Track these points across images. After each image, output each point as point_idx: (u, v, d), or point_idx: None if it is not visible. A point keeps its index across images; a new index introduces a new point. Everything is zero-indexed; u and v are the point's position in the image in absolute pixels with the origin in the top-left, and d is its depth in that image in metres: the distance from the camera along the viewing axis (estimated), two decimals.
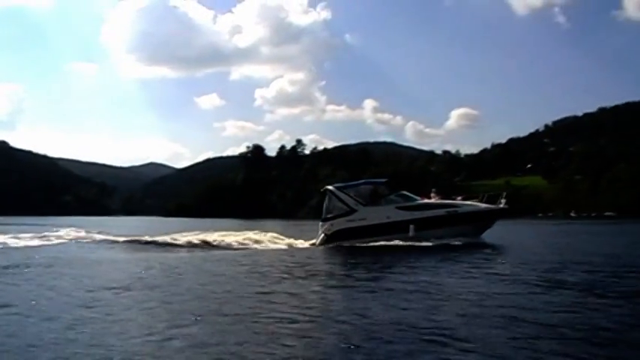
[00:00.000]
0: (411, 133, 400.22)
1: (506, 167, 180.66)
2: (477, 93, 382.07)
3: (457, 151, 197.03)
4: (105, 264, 19.56)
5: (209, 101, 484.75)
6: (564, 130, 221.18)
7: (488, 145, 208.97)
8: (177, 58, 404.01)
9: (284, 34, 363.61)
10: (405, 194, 29.73)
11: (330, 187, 29.41)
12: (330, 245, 27.09)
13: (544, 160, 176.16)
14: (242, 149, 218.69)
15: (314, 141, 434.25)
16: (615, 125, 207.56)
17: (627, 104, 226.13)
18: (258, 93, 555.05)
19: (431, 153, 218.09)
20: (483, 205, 28.71)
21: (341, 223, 27.80)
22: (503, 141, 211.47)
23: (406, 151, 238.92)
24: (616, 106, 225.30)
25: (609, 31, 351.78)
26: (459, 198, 30.18)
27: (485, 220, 28.82)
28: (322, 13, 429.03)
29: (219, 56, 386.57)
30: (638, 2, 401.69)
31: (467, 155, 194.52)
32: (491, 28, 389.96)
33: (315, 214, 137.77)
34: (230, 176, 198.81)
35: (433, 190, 31.98)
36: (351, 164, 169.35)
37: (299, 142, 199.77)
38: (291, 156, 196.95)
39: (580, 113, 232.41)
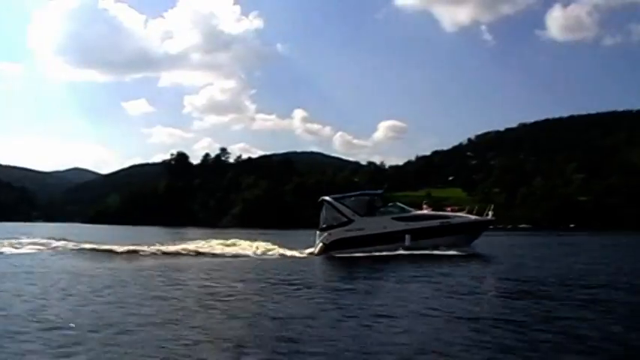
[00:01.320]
0: (339, 143, 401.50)
1: (428, 179, 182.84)
2: (405, 106, 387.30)
3: (382, 163, 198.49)
4: None
5: (138, 107, 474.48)
6: (486, 144, 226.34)
7: (415, 157, 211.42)
8: (107, 62, 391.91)
9: (215, 41, 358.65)
10: (399, 205, 31.38)
11: (327, 198, 30.36)
12: (329, 254, 27.93)
13: (465, 173, 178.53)
14: (169, 156, 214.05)
15: (243, 149, 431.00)
16: (534, 141, 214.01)
17: (546, 121, 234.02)
18: (188, 100, 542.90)
19: (356, 164, 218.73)
20: (473, 217, 30.40)
21: (339, 233, 28.80)
22: (428, 153, 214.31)
23: (333, 162, 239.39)
24: (535, 122, 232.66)
25: (532, 50, 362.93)
26: (449, 209, 31.91)
27: (475, 230, 30.56)
28: (254, 22, 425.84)
29: (149, 61, 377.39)
30: (561, 24, 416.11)
31: (391, 166, 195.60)
32: (420, 43, 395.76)
33: (238, 223, 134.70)
34: (153, 183, 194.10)
35: (425, 202, 34.95)
36: (274, 174, 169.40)
37: (223, 150, 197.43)
38: (215, 164, 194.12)
39: (502, 128, 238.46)
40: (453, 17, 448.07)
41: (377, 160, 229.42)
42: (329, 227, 29.18)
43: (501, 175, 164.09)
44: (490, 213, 30.69)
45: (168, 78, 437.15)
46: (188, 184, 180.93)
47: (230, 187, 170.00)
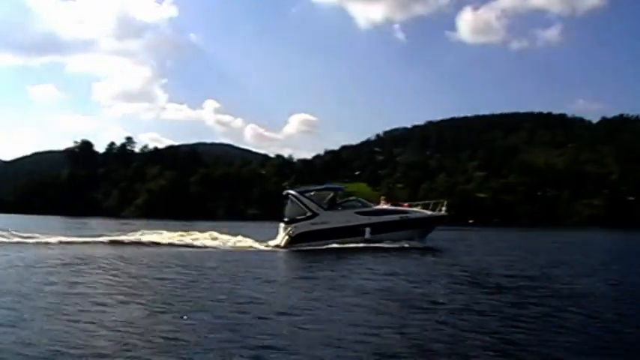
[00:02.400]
0: (251, 136, 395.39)
1: (335, 173, 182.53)
2: (317, 100, 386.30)
3: (290, 156, 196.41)
4: None
5: (44, 92, 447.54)
6: (394, 140, 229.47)
7: (324, 152, 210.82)
8: (12, 44, 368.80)
9: (127, 28, 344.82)
10: (360, 200, 34.19)
11: (292, 192, 32.16)
12: (294, 246, 29.12)
13: (371, 168, 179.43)
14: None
15: (153, 139, 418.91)
16: (440, 138, 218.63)
17: (452, 119, 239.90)
18: (97, 87, 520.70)
19: (265, 156, 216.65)
20: (429, 212, 32.25)
21: (305, 226, 30.09)
22: (337, 148, 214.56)
23: (243, 154, 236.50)
24: (442, 120, 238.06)
25: (442, 51, 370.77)
26: (406, 205, 34.03)
27: (430, 224, 32.70)
28: (168, 10, 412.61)
29: (58, 46, 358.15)
30: (471, 26, 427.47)
31: (300, 160, 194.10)
32: (334, 39, 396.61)
33: (142, 214, 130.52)
34: (56, 172, 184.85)
35: (382, 197, 36.39)
36: (180, 165, 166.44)
37: (129, 139, 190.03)
38: (120, 153, 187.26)
39: (410, 125, 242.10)
40: (367, 15, 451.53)
41: (288, 153, 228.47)
42: (294, 220, 30.46)
43: (406, 171, 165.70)
44: (443, 209, 32.26)
45: (77, 63, 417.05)
46: (92, 173, 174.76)
47: (135, 177, 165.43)
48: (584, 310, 12.09)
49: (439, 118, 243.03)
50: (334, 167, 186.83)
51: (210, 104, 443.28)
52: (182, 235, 31.68)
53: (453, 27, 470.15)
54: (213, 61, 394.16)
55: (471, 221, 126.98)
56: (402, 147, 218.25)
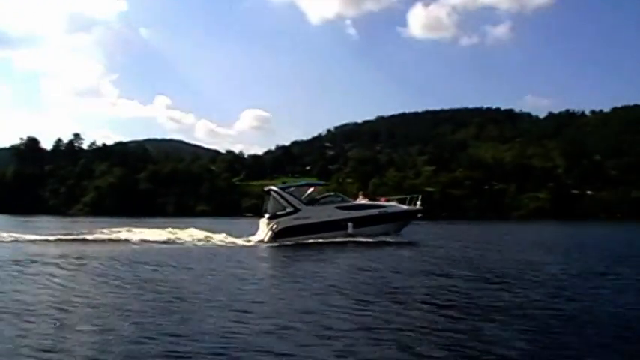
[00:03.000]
0: (202, 132, 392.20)
1: (285, 169, 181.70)
2: (269, 96, 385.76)
3: (240, 152, 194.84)
4: None
5: None
6: (344, 135, 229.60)
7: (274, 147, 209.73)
8: None
9: (77, 23, 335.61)
10: (340, 195, 35.28)
11: (273, 188, 32.73)
12: (277, 241, 29.74)
13: (322, 163, 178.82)
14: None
15: (104, 136, 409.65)
16: (390, 133, 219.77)
17: (403, 114, 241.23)
18: (46, 83, 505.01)
19: (215, 152, 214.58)
20: (405, 207, 33.29)
21: (287, 222, 30.78)
22: (287, 143, 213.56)
23: (194, 150, 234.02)
24: (392, 116, 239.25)
25: (393, 47, 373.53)
26: (383, 199, 34.59)
27: (407, 218, 33.88)
28: (118, 4, 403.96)
29: (4, 41, 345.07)
30: (422, 22, 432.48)
31: (250, 156, 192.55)
32: (286, 34, 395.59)
33: (90, 211, 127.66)
34: (1, 170, 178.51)
35: (361, 192, 37.61)
36: (129, 161, 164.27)
37: (77, 136, 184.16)
38: (68, 150, 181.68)
39: (360, 120, 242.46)
40: (319, 11, 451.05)
41: (240, 149, 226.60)
42: (276, 216, 31.26)
43: (356, 166, 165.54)
44: (418, 204, 33.61)
45: (25, 59, 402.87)
46: (39, 170, 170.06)
47: (83, 175, 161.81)
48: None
49: (390, 113, 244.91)
50: (284, 162, 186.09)
51: (162, 100, 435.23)
52: (172, 233, 32.10)
53: (404, 23, 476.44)
54: (164, 57, 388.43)
55: (419, 215, 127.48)
56: (352, 142, 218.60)
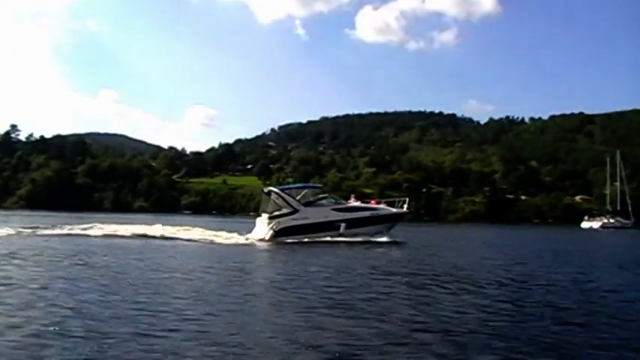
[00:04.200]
0: (147, 127, 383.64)
1: (227, 166, 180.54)
2: (216, 93, 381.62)
3: (183, 149, 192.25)
4: None
5: None
6: (288, 135, 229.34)
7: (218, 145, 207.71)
8: None
9: (23, 13, 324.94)
10: (334, 197, 37.04)
11: (274, 189, 34.79)
12: (277, 240, 31.16)
13: (263, 162, 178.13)
14: None
15: (47, 128, 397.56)
16: (334, 134, 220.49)
17: (346, 116, 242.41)
18: None
19: (158, 148, 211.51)
20: (394, 209, 34.94)
21: (287, 221, 32.16)
22: (231, 141, 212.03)
23: (137, 145, 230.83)
24: (337, 117, 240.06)
25: (341, 48, 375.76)
26: (373, 202, 36.66)
27: (395, 220, 35.29)
28: None
29: None
30: (370, 26, 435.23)
31: (192, 153, 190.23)
32: (235, 32, 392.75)
33: (25, 205, 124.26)
34: None
35: (353, 195, 39.43)
36: (67, 154, 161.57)
37: (13, 127, 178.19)
38: (4, 142, 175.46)
39: (304, 121, 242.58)
40: (269, 10, 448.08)
41: (185, 145, 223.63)
42: (276, 216, 32.60)
43: (297, 166, 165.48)
44: (405, 206, 35.68)
45: None
46: None
47: (18, 167, 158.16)
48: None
49: (334, 114, 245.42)
50: (226, 160, 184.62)
51: (107, 94, 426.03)
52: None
53: (352, 25, 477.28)
54: (111, 50, 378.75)
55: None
56: (296, 142, 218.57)
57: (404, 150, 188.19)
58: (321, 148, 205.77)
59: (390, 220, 34.72)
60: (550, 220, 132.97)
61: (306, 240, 30.90)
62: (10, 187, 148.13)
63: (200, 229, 34.92)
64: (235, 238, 32.00)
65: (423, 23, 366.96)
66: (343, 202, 35.27)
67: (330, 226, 32.22)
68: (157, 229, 33.22)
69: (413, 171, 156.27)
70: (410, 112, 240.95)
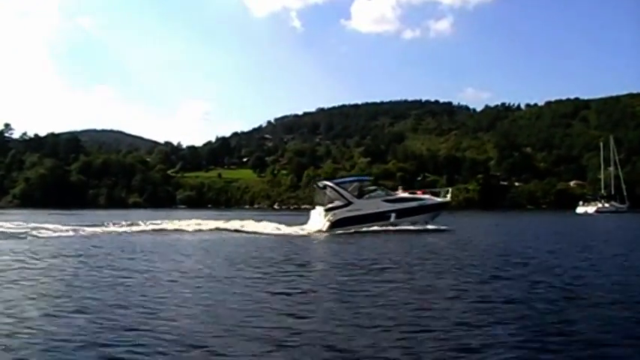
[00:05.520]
0: (143, 123, 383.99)
1: (222, 160, 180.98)
2: (212, 87, 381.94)
3: (178, 143, 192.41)
4: None
5: None
6: (284, 127, 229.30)
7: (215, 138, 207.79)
8: None
9: (13, 11, 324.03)
10: (384, 189, 39.25)
11: (329, 183, 36.24)
12: (334, 230, 32.69)
13: (258, 155, 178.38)
14: None
15: (43, 126, 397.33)
16: (330, 125, 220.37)
17: (342, 106, 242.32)
18: None
19: (154, 143, 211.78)
20: (438, 199, 37.27)
21: (342, 213, 33.83)
22: (228, 134, 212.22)
23: (133, 141, 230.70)
24: (333, 108, 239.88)
25: (337, 39, 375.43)
26: (419, 192, 38.29)
27: (439, 209, 37.42)
28: None
29: None
30: (366, 16, 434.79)
31: (187, 147, 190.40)
32: (231, 26, 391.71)
33: (20, 203, 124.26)
34: None
35: (400, 186, 42.84)
36: (61, 152, 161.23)
37: (7, 126, 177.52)
38: None
39: (300, 112, 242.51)
40: (264, 2, 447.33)
41: (182, 140, 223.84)
42: (332, 208, 34.18)
43: (292, 158, 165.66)
44: (448, 196, 38.56)
45: None
46: None
47: (12, 165, 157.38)
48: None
49: (330, 105, 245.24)
50: (222, 154, 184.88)
51: (102, 90, 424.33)
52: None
53: (348, 16, 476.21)
54: (104, 46, 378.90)
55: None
56: (292, 134, 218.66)
57: (400, 139, 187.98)
58: (318, 139, 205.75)
59: (435, 210, 36.84)
60: (544, 206, 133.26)
61: (363, 229, 32.58)
62: (4, 187, 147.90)
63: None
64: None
65: (418, 12, 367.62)
66: (392, 193, 37.02)
67: (382, 217, 33.95)
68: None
69: (407, 160, 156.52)
70: (406, 102, 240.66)
